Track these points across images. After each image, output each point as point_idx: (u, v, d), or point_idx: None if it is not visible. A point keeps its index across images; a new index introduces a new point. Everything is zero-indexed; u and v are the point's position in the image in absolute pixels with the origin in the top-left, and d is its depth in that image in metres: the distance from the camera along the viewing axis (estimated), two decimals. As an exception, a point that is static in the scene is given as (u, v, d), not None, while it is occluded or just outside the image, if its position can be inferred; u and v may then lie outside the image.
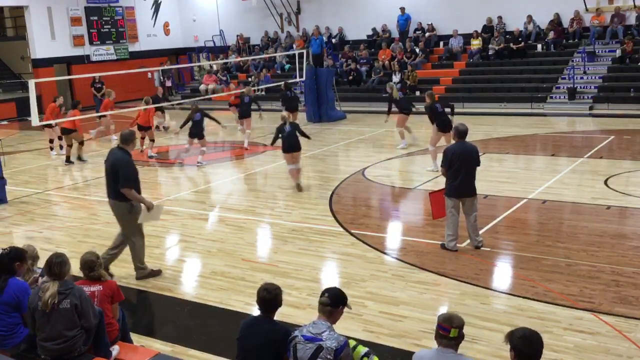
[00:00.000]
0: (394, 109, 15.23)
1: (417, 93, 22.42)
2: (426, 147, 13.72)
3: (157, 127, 19.13)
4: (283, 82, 20.07)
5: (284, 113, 14.21)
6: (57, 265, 4.95)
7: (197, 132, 14.57)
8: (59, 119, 15.90)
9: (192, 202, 11.60)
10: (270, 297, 4.55)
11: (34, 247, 6.03)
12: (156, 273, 7.90)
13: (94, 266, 5.34)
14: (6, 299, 5.15)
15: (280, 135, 11.66)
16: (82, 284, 5.26)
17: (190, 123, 14.65)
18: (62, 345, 4.88)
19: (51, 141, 16.77)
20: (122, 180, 7.41)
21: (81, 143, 15.83)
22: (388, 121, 15.50)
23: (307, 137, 12.21)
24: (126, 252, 8.92)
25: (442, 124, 12.63)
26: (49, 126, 16.38)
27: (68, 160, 15.58)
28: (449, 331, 4.11)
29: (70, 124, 15.17)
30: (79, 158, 15.79)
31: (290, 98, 18.15)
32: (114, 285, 5.49)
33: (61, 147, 16.72)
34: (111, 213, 8.03)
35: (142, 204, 7.68)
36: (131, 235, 7.77)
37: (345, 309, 4.57)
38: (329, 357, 4.22)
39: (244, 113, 16.88)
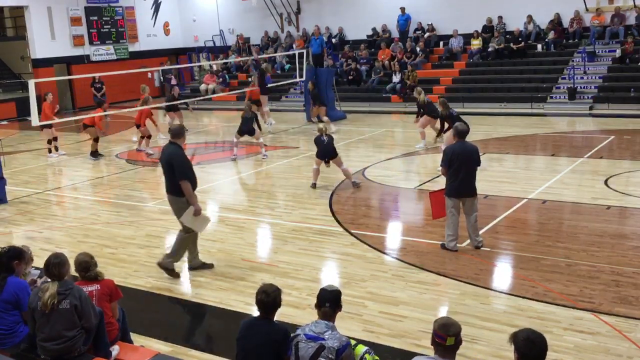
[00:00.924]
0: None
1: (417, 93, 22.43)
2: (426, 147, 13.78)
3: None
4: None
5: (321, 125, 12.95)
6: (55, 265, 4.94)
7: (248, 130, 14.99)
8: (53, 117, 16.13)
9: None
10: (269, 300, 4.54)
11: (27, 248, 5.98)
12: (175, 275, 7.84)
13: (88, 266, 5.34)
14: (6, 297, 5.17)
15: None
16: (79, 284, 5.26)
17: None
18: (62, 345, 4.88)
19: (49, 142, 16.75)
20: (179, 174, 7.45)
21: (96, 139, 15.95)
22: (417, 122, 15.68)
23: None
24: (127, 252, 8.93)
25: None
26: (48, 126, 16.34)
27: (94, 155, 15.92)
28: (445, 339, 3.99)
29: (90, 119, 15.78)
30: (93, 154, 15.91)
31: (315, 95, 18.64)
32: (112, 283, 5.49)
33: (57, 148, 16.69)
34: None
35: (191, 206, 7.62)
36: (187, 230, 7.79)
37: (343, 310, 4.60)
38: (330, 356, 4.22)
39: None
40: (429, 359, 4.10)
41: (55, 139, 16.65)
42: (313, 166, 12.02)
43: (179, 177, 7.45)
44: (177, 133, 7.72)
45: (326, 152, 11.73)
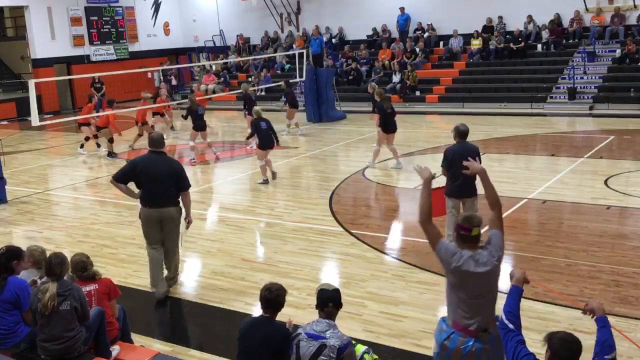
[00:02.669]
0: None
1: (418, 93, 22.46)
2: (426, 147, 13.76)
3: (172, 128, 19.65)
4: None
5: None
6: (57, 265, 4.97)
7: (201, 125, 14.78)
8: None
9: (192, 202, 11.55)
10: (271, 296, 4.55)
11: (42, 249, 5.85)
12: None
13: (85, 266, 5.36)
14: (7, 297, 5.17)
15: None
16: (77, 284, 5.27)
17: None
18: (62, 345, 4.89)
19: (87, 139, 16.79)
20: (187, 183, 7.25)
21: (110, 140, 16.05)
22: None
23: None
24: (127, 252, 8.93)
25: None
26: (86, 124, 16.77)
27: (110, 155, 16.06)
28: (471, 230, 4.27)
29: (103, 121, 15.92)
30: (109, 154, 16.03)
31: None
32: (109, 281, 5.51)
33: (98, 144, 16.95)
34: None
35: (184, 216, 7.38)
36: (177, 244, 7.46)
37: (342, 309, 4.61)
38: (331, 355, 4.21)
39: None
40: (464, 251, 4.27)
41: (95, 135, 16.78)
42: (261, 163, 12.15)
43: (187, 186, 7.25)
44: (160, 142, 7.29)
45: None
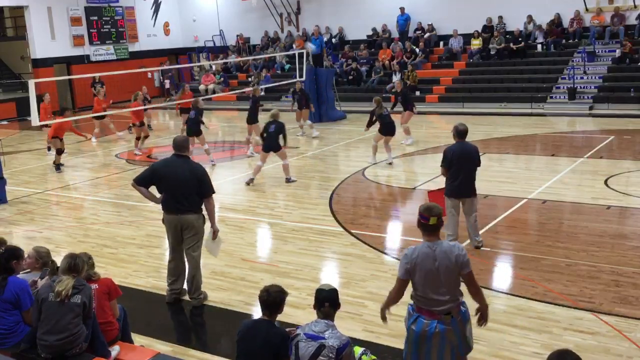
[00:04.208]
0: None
1: (418, 93, 22.44)
2: (426, 147, 13.80)
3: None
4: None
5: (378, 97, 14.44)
6: (77, 263, 5.03)
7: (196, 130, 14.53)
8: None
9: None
10: (269, 298, 4.55)
11: (47, 250, 5.87)
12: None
13: (84, 266, 5.35)
14: (7, 297, 5.17)
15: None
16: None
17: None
18: (65, 340, 4.86)
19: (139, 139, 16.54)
20: (210, 188, 6.92)
21: (59, 151, 15.02)
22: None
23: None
24: (127, 252, 8.93)
25: None
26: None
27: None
28: (429, 219, 4.53)
29: (55, 131, 14.88)
30: (57, 167, 15.11)
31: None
32: (110, 281, 5.51)
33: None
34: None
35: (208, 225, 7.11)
36: (198, 258, 7.13)
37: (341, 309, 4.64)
38: (330, 355, 4.21)
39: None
40: (420, 245, 4.59)
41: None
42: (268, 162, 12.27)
43: (211, 191, 6.93)
44: (184, 145, 6.99)
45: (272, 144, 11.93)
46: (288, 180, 12.33)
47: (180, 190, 6.83)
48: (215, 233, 7.12)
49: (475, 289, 4.71)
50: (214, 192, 7.00)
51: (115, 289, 5.51)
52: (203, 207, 7.01)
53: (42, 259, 5.64)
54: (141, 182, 6.98)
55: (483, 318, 4.74)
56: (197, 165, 7.07)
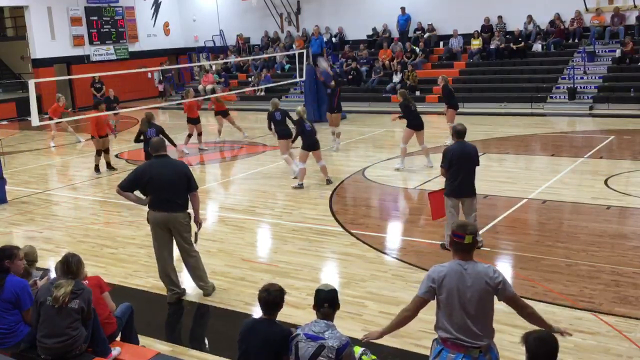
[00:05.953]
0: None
1: (418, 93, 22.44)
2: (426, 147, 13.75)
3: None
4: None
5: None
6: (75, 264, 5.04)
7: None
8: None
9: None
10: (269, 298, 4.54)
11: (34, 249, 5.99)
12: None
13: (80, 267, 5.36)
14: (6, 296, 5.17)
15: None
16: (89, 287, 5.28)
17: None
18: (64, 343, 4.88)
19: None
20: (195, 183, 7.10)
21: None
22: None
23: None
24: (127, 252, 8.93)
25: None
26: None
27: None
28: (464, 238, 4.11)
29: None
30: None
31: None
32: (98, 277, 5.61)
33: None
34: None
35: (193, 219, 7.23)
36: (191, 253, 7.24)
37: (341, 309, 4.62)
38: (330, 355, 4.21)
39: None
40: (450, 262, 4.17)
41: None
42: (300, 165, 11.92)
43: (196, 187, 7.09)
44: (161, 145, 7.17)
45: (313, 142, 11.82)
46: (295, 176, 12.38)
47: (172, 189, 6.92)
48: (199, 225, 7.24)
49: (530, 310, 4.30)
50: (197, 187, 7.20)
51: (104, 283, 5.59)
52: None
53: (28, 257, 5.65)
54: (126, 187, 7.06)
55: (561, 331, 4.31)
56: (179, 162, 7.37)
